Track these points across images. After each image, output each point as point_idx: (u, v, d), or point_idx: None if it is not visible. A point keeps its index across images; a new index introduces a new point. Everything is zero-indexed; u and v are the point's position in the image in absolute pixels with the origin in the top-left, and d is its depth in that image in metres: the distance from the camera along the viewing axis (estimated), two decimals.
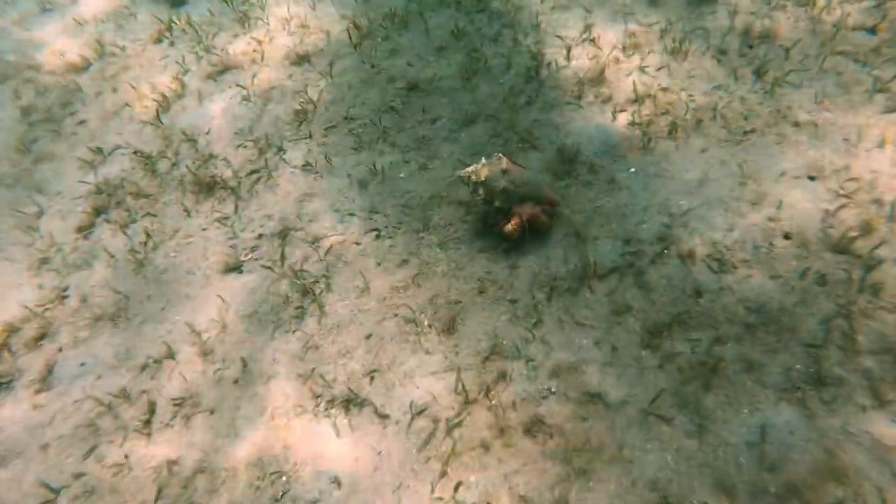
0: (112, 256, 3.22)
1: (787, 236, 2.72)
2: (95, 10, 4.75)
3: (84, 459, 2.52)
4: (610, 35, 3.76)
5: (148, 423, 2.61)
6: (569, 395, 2.39)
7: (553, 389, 2.41)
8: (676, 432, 2.23)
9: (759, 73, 3.38)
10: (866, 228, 2.65)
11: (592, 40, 3.73)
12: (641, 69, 3.54)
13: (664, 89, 3.41)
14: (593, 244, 2.84)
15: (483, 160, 2.86)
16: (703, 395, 2.30)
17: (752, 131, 3.15)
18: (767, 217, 2.79)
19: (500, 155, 2.85)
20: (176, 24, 4.50)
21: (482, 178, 2.82)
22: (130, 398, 2.70)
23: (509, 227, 2.80)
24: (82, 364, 2.85)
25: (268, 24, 4.32)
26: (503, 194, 2.81)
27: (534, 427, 2.31)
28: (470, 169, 2.86)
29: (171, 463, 2.47)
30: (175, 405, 2.66)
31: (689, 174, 3.04)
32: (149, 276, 3.14)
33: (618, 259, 2.77)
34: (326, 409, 2.53)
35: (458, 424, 2.38)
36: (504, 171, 2.80)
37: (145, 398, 2.69)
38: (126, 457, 2.50)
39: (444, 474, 2.27)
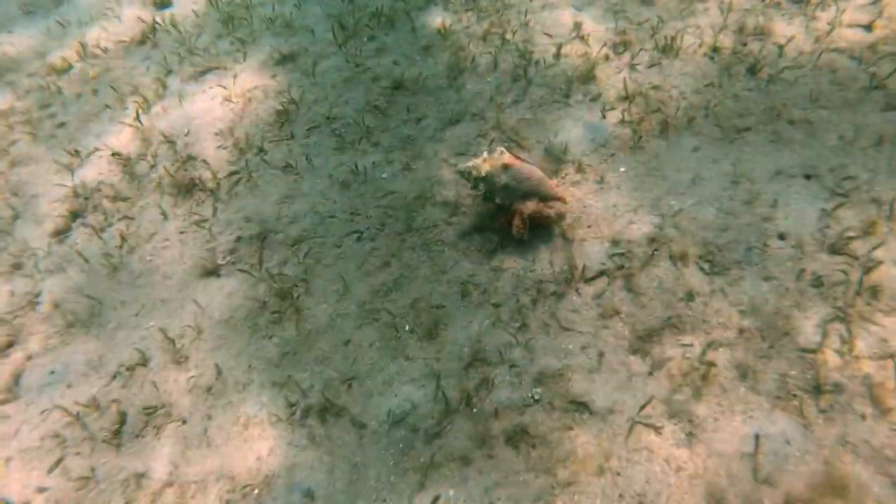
0: (86, 261, 3.12)
1: (781, 237, 2.62)
2: (79, 13, 4.68)
3: (49, 473, 2.41)
4: (600, 32, 3.67)
5: (117, 433, 2.51)
6: (554, 402, 2.28)
7: (537, 397, 2.30)
8: (666, 442, 2.12)
9: (753, 71, 3.29)
10: (864, 228, 2.55)
11: (582, 37, 3.65)
12: (632, 67, 3.45)
13: (655, 87, 3.32)
14: (581, 246, 2.74)
15: (484, 154, 2.75)
16: (695, 403, 2.19)
17: (746, 129, 3.05)
18: (762, 217, 2.69)
19: (503, 149, 2.74)
20: (160, 25, 4.42)
21: (483, 174, 2.71)
22: (100, 408, 2.59)
23: (514, 229, 2.69)
24: (52, 372, 2.75)
25: (252, 24, 4.24)
26: (504, 190, 2.70)
27: (517, 437, 2.20)
28: (470, 164, 2.76)
29: (140, 476, 2.36)
30: (146, 415, 2.55)
31: (681, 173, 2.94)
32: (123, 281, 3.04)
33: (606, 261, 2.67)
34: (302, 419, 2.43)
35: (438, 434, 2.27)
36: (506, 166, 2.69)
37: (116, 408, 2.58)
38: (93, 470, 2.39)
39: (422, 487, 2.16)
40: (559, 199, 2.76)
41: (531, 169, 2.74)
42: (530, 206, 2.69)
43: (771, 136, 2.99)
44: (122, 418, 2.55)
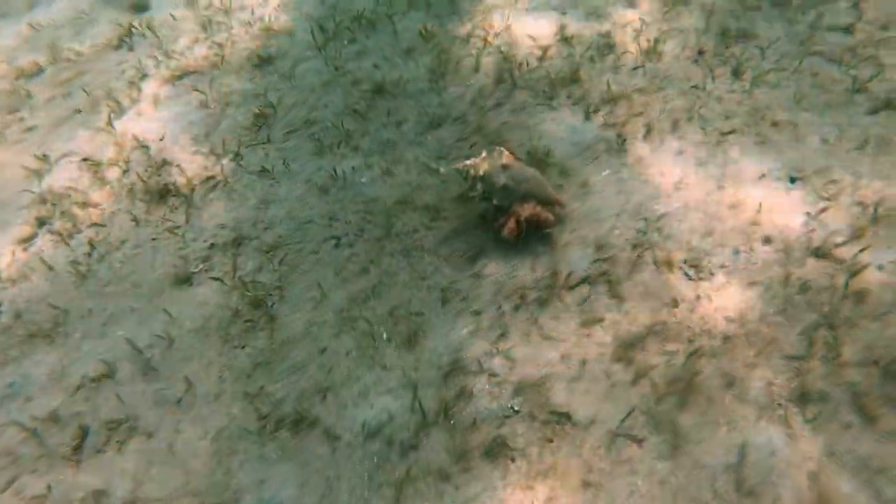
0: (51, 269, 3.01)
1: (767, 241, 2.57)
2: (53, 16, 4.58)
3: (1, 493, 2.29)
4: (584, 35, 3.63)
5: (77, 449, 2.39)
6: (533, 413, 2.19)
7: (517, 408, 2.22)
8: (648, 454, 2.04)
9: (736, 73, 3.26)
10: (850, 232, 2.50)
11: (566, 40, 3.60)
12: (616, 69, 3.41)
13: (639, 90, 3.28)
14: (564, 251, 2.67)
15: (483, 153, 2.68)
16: (678, 413, 2.12)
17: (731, 132, 3.01)
18: (747, 221, 2.64)
19: (501, 148, 2.66)
20: (136, 28, 4.33)
21: (481, 173, 2.64)
22: (61, 422, 2.47)
23: (506, 231, 2.61)
24: (10, 385, 2.62)
25: (231, 27, 4.17)
26: (503, 191, 2.62)
27: (495, 449, 2.12)
28: (468, 162, 2.69)
29: (99, 494, 2.24)
30: (109, 429, 2.43)
31: (665, 177, 2.89)
32: (91, 290, 2.92)
33: (589, 267, 2.60)
34: (274, 431, 2.32)
35: (414, 447, 2.18)
36: (504, 167, 2.62)
37: (77, 422, 2.46)
38: (49, 488, 2.27)
39: (397, 502, 2.07)
40: (557, 202, 2.69)
41: (530, 170, 2.67)
42: (528, 208, 2.61)
43: (756, 138, 2.96)
44: (84, 433, 2.43)
